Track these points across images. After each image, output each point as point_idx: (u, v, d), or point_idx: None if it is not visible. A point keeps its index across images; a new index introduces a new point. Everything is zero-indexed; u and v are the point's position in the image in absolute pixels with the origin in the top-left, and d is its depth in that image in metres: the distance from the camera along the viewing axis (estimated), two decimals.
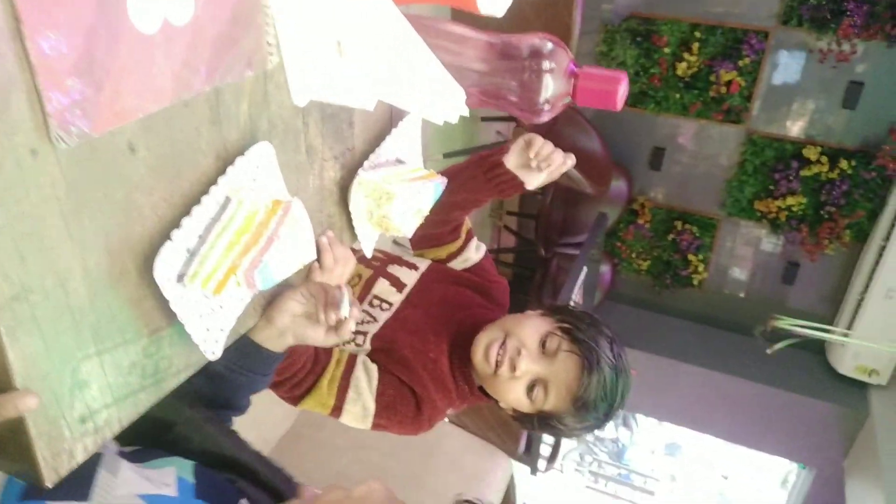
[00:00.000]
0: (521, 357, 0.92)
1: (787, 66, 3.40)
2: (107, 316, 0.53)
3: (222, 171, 0.60)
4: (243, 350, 0.74)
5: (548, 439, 3.05)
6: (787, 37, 3.34)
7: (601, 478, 7.05)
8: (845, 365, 3.65)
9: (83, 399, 0.52)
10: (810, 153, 3.46)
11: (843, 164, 3.40)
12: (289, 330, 0.72)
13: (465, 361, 0.97)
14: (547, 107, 0.66)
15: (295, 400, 0.90)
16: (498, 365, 0.93)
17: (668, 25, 3.51)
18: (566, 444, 6.81)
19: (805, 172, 3.48)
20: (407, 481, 1.89)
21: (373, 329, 0.96)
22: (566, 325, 0.95)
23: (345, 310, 0.70)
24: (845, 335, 3.41)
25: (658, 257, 4.04)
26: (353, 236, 0.85)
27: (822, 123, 3.45)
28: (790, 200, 3.55)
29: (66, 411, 0.51)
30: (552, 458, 3.51)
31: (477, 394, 0.98)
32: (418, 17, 0.66)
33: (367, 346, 0.95)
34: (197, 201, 0.58)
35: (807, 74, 3.38)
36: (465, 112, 0.67)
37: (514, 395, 0.94)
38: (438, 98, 0.64)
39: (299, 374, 0.88)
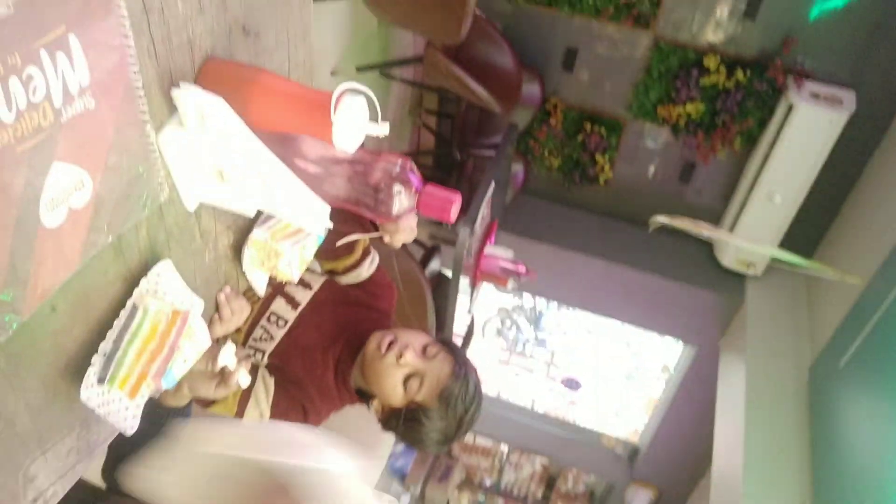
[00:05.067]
0: (408, 350, 1.12)
1: None
2: (47, 426, 0.69)
3: (129, 292, 0.74)
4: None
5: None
6: None
7: (519, 343, 7.66)
8: (728, 258, 4.07)
9: (34, 487, 0.70)
10: (710, 62, 3.63)
11: (739, 74, 3.59)
12: (184, 384, 0.87)
13: (347, 373, 1.17)
14: (399, 215, 0.81)
15: (204, 405, 1.09)
16: (387, 353, 1.12)
17: None
18: (484, 315, 7.30)
19: (704, 81, 3.66)
20: None
21: (269, 347, 1.14)
22: (446, 342, 1.16)
23: (223, 359, 0.85)
24: (715, 228, 3.79)
25: (568, 156, 4.25)
26: (246, 281, 1.00)
27: (724, 33, 3.59)
28: (689, 107, 3.76)
29: (22, 501, 0.69)
30: (467, 340, 3.88)
31: (355, 397, 1.19)
32: (294, 141, 0.78)
33: (265, 361, 1.13)
34: (110, 321, 0.73)
35: None
36: (329, 224, 0.82)
37: (392, 382, 1.11)
38: (305, 212, 0.78)
39: None
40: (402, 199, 0.79)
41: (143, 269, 0.76)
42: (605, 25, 3.76)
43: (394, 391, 1.12)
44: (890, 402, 2.75)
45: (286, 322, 1.16)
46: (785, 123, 3.50)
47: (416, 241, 3.50)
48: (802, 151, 3.52)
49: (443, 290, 3.29)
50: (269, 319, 1.16)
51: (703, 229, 3.56)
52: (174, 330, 0.75)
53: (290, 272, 0.98)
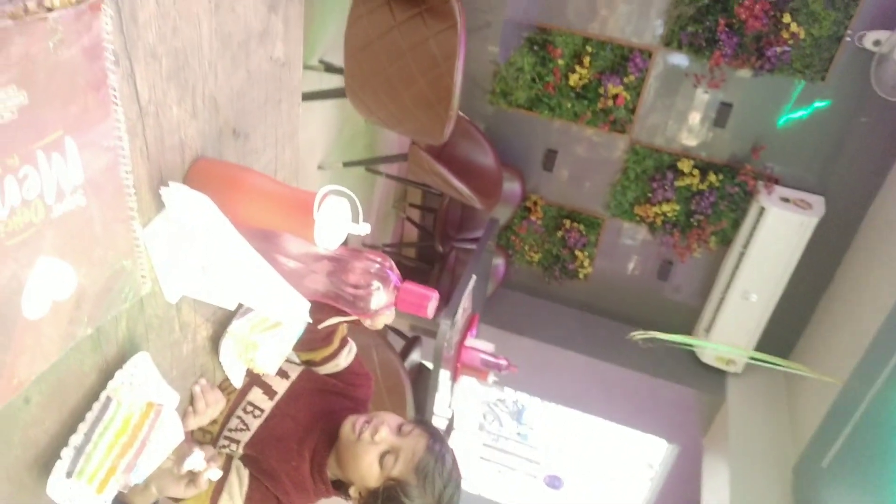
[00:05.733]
0: (382, 427, 1.12)
1: (667, 86, 3.67)
2: None
3: (104, 384, 0.75)
4: None
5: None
6: (669, 59, 3.60)
7: (501, 438, 7.51)
8: (707, 355, 4.09)
9: None
10: (684, 165, 3.78)
11: (712, 177, 3.74)
12: (153, 482, 0.86)
13: (323, 463, 1.15)
14: (377, 312, 0.83)
15: (175, 499, 1.06)
16: (361, 432, 1.12)
17: (562, 37, 3.70)
18: (465, 407, 7.18)
19: (679, 183, 3.81)
20: None
21: (245, 437, 1.13)
22: (421, 421, 1.16)
23: (188, 465, 0.83)
24: (689, 335, 3.83)
25: (548, 251, 4.33)
26: (223, 373, 1.00)
27: (696, 139, 3.77)
28: (665, 207, 3.88)
29: None
30: (447, 433, 3.81)
31: (331, 489, 1.17)
32: (277, 238, 0.81)
33: (241, 451, 1.12)
34: (83, 413, 0.73)
35: (684, 94, 3.67)
36: (308, 319, 0.84)
37: (368, 460, 1.10)
38: (285, 306, 0.80)
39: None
40: (380, 296, 0.81)
41: (120, 361, 0.77)
42: (584, 129, 3.93)
43: (370, 469, 1.11)
44: (874, 502, 2.71)
45: (262, 412, 1.15)
46: (757, 225, 3.62)
47: (397, 332, 3.50)
48: (775, 252, 3.63)
49: (423, 382, 3.26)
50: (245, 410, 1.15)
51: (678, 338, 3.62)
52: (147, 423, 0.75)
53: (268, 365, 0.99)
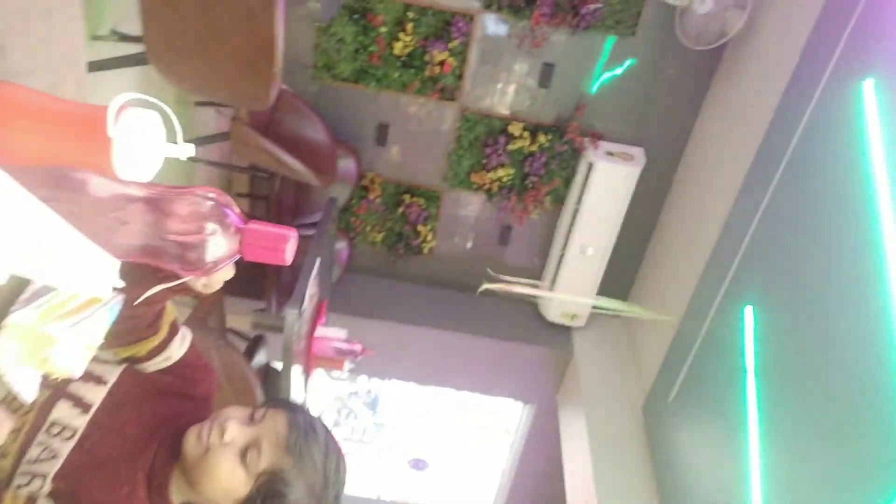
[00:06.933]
0: (229, 424, 0.90)
1: (491, 49, 3.66)
2: None
3: None
4: None
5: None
6: (490, 21, 3.59)
7: (357, 430, 7.33)
8: (552, 313, 4.19)
9: None
10: (515, 129, 3.81)
11: (542, 138, 3.81)
12: None
13: (165, 485, 0.91)
14: (216, 264, 0.63)
15: None
16: (208, 439, 0.90)
17: (382, 4, 3.55)
18: (320, 398, 6.91)
19: (511, 147, 3.83)
20: None
21: (53, 468, 0.85)
22: (272, 399, 0.96)
23: None
24: (536, 286, 3.92)
25: (391, 229, 4.20)
26: (5, 387, 0.74)
27: (523, 101, 3.80)
28: (500, 172, 3.90)
29: None
30: None
31: None
32: (63, 177, 0.58)
33: (48, 487, 0.85)
34: None
35: (508, 57, 3.68)
36: (119, 284, 0.62)
37: (227, 467, 0.89)
38: (83, 273, 0.58)
39: None
40: (218, 242, 0.61)
41: None
42: (413, 99, 3.82)
43: (232, 476, 0.89)
44: (718, 424, 2.89)
45: (74, 432, 0.88)
46: (587, 181, 3.74)
47: (237, 334, 3.19)
48: (605, 205, 3.77)
49: (272, 384, 3.00)
50: (49, 432, 0.88)
51: (526, 290, 3.67)
52: None
53: (70, 366, 0.74)
